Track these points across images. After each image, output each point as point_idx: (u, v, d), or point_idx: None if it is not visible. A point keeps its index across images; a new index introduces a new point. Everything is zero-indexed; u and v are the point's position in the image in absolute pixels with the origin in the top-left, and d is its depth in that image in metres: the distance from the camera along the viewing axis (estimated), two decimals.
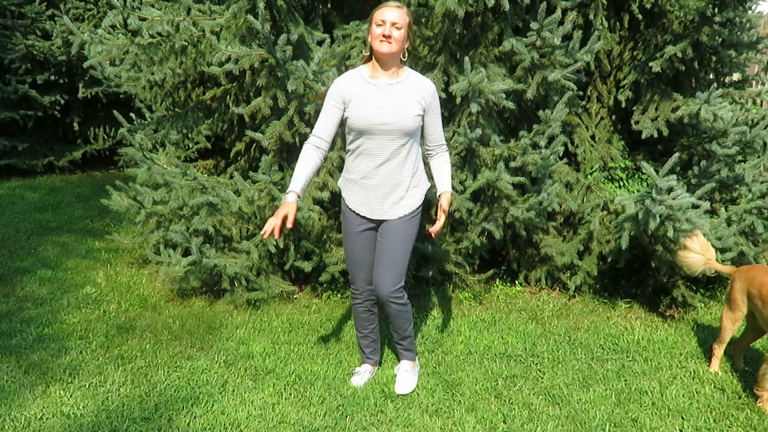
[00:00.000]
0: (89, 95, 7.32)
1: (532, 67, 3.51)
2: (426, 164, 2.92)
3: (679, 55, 3.60)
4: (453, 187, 3.59)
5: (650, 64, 3.66)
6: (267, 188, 3.44)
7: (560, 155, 3.68)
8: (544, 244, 3.78)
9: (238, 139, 4.18)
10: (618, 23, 3.93)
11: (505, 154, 3.49)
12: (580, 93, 3.95)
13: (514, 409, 2.74)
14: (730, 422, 2.63)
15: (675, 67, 3.69)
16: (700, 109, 3.58)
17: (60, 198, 6.33)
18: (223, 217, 3.76)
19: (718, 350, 3.04)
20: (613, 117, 4.05)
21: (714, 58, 3.94)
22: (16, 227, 5.31)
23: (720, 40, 3.70)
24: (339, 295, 3.90)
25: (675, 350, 3.27)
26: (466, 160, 3.62)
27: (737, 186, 3.72)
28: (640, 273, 3.92)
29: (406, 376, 2.90)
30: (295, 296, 3.93)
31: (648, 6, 3.68)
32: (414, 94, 2.55)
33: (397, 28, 2.44)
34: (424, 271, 3.71)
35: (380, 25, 2.45)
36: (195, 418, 2.64)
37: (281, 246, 3.73)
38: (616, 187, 3.94)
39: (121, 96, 7.10)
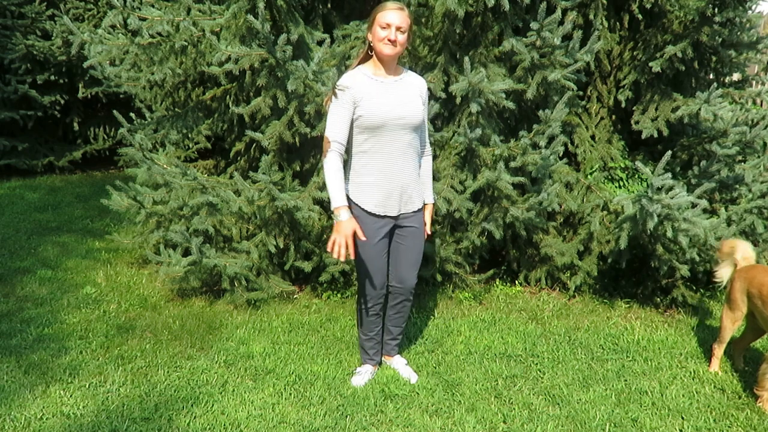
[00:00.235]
0: (89, 95, 7.32)
1: (532, 67, 3.51)
2: None
3: (679, 55, 3.60)
4: (453, 187, 3.60)
5: (650, 64, 3.66)
6: (267, 188, 3.44)
7: (560, 155, 3.68)
8: (544, 244, 3.78)
9: (238, 139, 4.18)
10: (618, 23, 3.93)
11: (505, 154, 3.49)
12: (580, 93, 3.95)
13: (514, 409, 2.74)
14: (730, 422, 2.63)
15: (675, 67, 3.69)
16: (700, 109, 3.58)
17: (60, 198, 6.33)
18: (223, 217, 3.76)
19: (718, 350, 3.04)
20: (613, 117, 4.05)
21: (714, 58, 3.94)
22: (16, 227, 5.31)
23: (720, 40, 3.70)
24: (339, 295, 3.90)
25: (675, 350, 3.27)
26: (466, 160, 3.62)
27: (737, 186, 3.72)
28: (640, 273, 3.93)
29: (408, 368, 3.01)
30: (295, 296, 3.93)
31: (648, 6, 3.68)
32: (415, 89, 2.64)
33: (401, 32, 2.48)
34: (424, 271, 3.71)
35: (385, 28, 2.46)
36: (195, 418, 2.64)
37: (281, 246, 3.73)
38: (616, 187, 3.93)
39: (121, 96, 7.10)
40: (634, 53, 3.89)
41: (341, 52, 3.58)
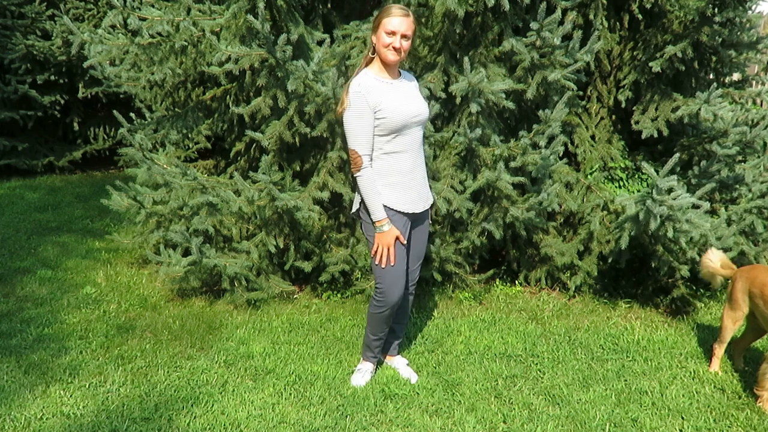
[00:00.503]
0: (89, 95, 7.32)
1: (532, 67, 3.51)
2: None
3: (679, 55, 3.59)
4: (453, 187, 3.60)
5: (650, 64, 3.65)
6: (267, 188, 3.44)
7: (560, 155, 3.68)
8: (544, 244, 3.78)
9: (238, 139, 4.18)
10: (618, 23, 3.92)
11: (505, 154, 3.49)
12: (580, 93, 3.95)
13: (514, 409, 2.74)
14: (730, 422, 2.63)
15: (675, 67, 3.69)
16: (700, 109, 3.58)
17: (60, 198, 6.33)
18: (223, 217, 3.76)
19: (719, 350, 3.04)
20: (613, 117, 4.05)
21: (714, 58, 3.94)
22: (16, 227, 5.31)
23: (720, 40, 3.70)
24: (339, 295, 3.90)
25: (675, 350, 3.27)
26: (466, 160, 3.62)
27: (737, 186, 3.72)
28: (640, 273, 3.92)
29: (408, 368, 3.03)
30: (295, 296, 3.93)
31: (648, 6, 3.68)
32: (415, 88, 2.71)
33: (406, 38, 2.50)
34: (425, 271, 3.71)
35: (390, 34, 2.47)
36: (195, 418, 2.64)
37: (281, 246, 3.73)
38: (616, 187, 3.93)
39: (121, 96, 7.09)
40: (634, 53, 3.89)
41: (341, 52, 3.58)
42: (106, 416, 2.63)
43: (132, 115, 4.38)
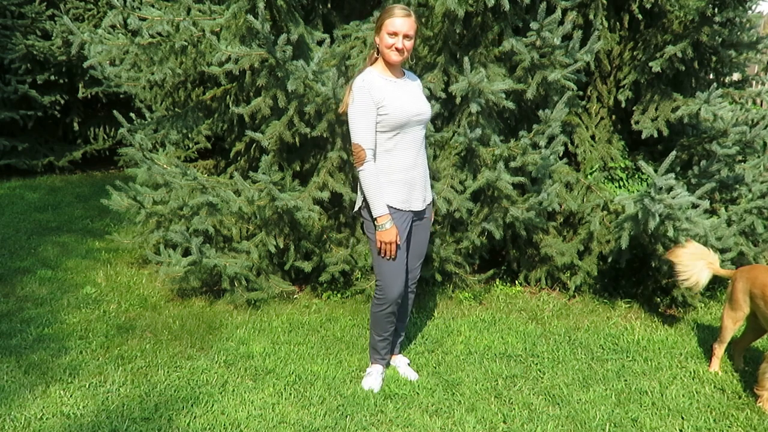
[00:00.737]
0: (89, 95, 7.32)
1: (532, 67, 3.51)
2: None
3: (679, 55, 3.60)
4: (453, 187, 3.60)
5: (650, 64, 3.65)
6: (267, 188, 3.44)
7: (560, 155, 3.68)
8: (544, 244, 3.78)
9: (238, 139, 4.18)
10: (618, 23, 3.93)
11: (505, 154, 3.49)
12: (580, 93, 3.95)
13: (514, 409, 2.74)
14: (730, 422, 2.63)
15: (675, 67, 3.69)
16: (700, 109, 3.58)
17: (60, 198, 6.33)
18: (223, 217, 3.76)
19: (719, 350, 3.04)
20: (613, 117, 4.05)
21: (714, 58, 3.94)
22: (16, 227, 5.31)
23: (720, 40, 3.70)
24: (339, 295, 3.90)
25: (675, 350, 3.27)
26: (466, 160, 3.62)
27: (737, 186, 3.72)
28: (640, 273, 3.92)
29: (409, 367, 3.05)
30: (295, 296, 3.93)
31: (648, 6, 3.68)
32: (418, 88, 2.73)
33: (408, 39, 2.52)
34: (424, 271, 3.71)
35: (392, 35, 2.49)
36: (195, 418, 2.64)
37: (281, 246, 3.73)
38: (616, 187, 3.93)
39: (121, 96, 7.09)
40: (634, 53, 3.89)
41: (341, 52, 3.58)
42: (106, 416, 2.63)
43: (132, 115, 4.38)
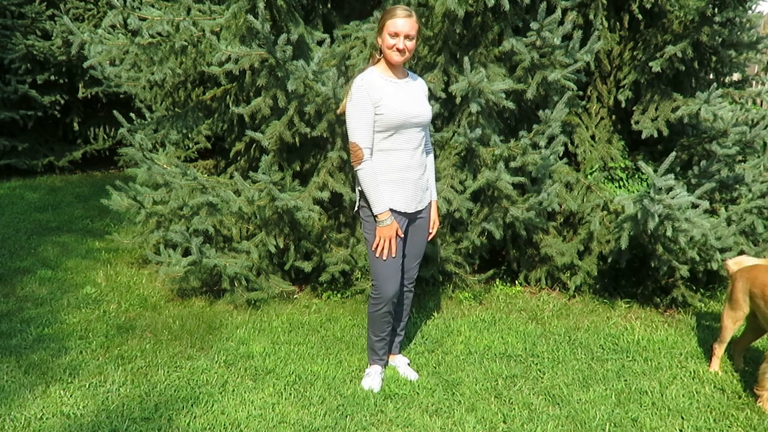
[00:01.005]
0: (89, 95, 7.32)
1: (532, 67, 3.51)
2: None
3: (679, 55, 3.60)
4: (453, 187, 3.60)
5: (650, 64, 3.65)
6: (267, 188, 3.44)
7: (560, 155, 3.68)
8: (544, 244, 3.78)
9: (238, 139, 4.18)
10: (618, 23, 3.92)
11: (505, 154, 3.49)
12: (580, 93, 3.95)
13: (514, 409, 2.74)
14: (730, 422, 2.63)
15: (675, 67, 3.69)
16: (700, 109, 3.58)
17: (60, 198, 6.33)
18: (223, 217, 3.76)
19: (719, 350, 3.04)
20: (613, 117, 4.05)
21: (714, 58, 3.94)
22: (16, 227, 5.31)
23: (720, 40, 3.70)
24: (339, 295, 3.90)
25: (675, 350, 3.27)
26: (466, 160, 3.62)
27: (737, 186, 3.72)
28: (640, 273, 3.92)
29: (409, 367, 3.05)
30: (295, 296, 3.93)
31: (648, 6, 3.68)
32: (421, 90, 2.72)
33: (410, 39, 2.52)
34: (424, 271, 3.71)
35: (394, 36, 2.49)
36: (195, 418, 2.64)
37: (281, 246, 3.73)
38: (616, 187, 3.93)
39: (121, 96, 7.09)
40: (634, 53, 3.89)
41: (341, 52, 3.58)
42: (106, 416, 2.63)
43: (132, 115, 4.39)
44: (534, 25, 3.35)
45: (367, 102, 2.50)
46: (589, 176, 3.85)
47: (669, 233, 3.20)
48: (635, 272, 3.95)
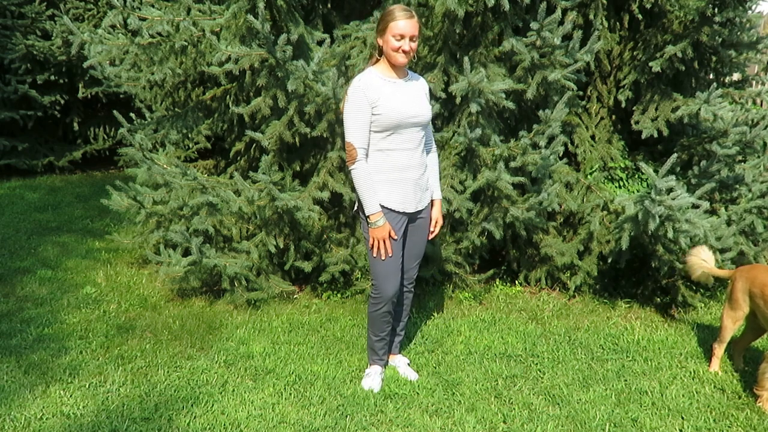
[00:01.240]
0: (89, 95, 7.32)
1: (532, 67, 3.51)
2: None
3: (679, 55, 3.60)
4: (453, 187, 3.60)
5: (650, 64, 3.65)
6: (267, 188, 3.44)
7: (560, 155, 3.68)
8: (544, 244, 3.78)
9: (238, 139, 4.18)
10: (618, 23, 3.93)
11: (505, 154, 3.49)
12: (580, 93, 3.95)
13: (514, 409, 2.74)
14: (730, 422, 2.63)
15: (675, 67, 3.69)
16: (700, 109, 3.58)
17: (60, 198, 6.33)
18: (223, 217, 3.76)
19: (719, 350, 3.04)
20: (613, 117, 4.05)
21: (714, 58, 3.94)
22: (16, 227, 5.31)
23: (720, 40, 3.70)
24: (339, 295, 3.90)
25: (675, 350, 3.27)
26: (466, 160, 3.62)
27: (737, 186, 3.72)
28: (640, 273, 3.92)
29: (409, 367, 3.05)
30: (295, 296, 3.93)
31: (648, 6, 3.68)
32: (421, 89, 2.72)
33: (413, 40, 2.53)
34: (424, 271, 3.71)
35: (398, 38, 2.49)
36: (195, 418, 2.64)
37: (281, 246, 3.73)
38: (616, 187, 3.93)
39: (121, 96, 7.10)
40: (634, 53, 3.89)
41: (341, 52, 3.58)
42: (106, 416, 2.63)
43: (132, 115, 4.39)
44: (534, 25, 3.35)
45: (363, 103, 2.51)
46: (589, 176, 3.85)
47: (670, 234, 3.20)
48: (635, 272, 3.95)
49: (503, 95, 3.39)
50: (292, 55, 3.30)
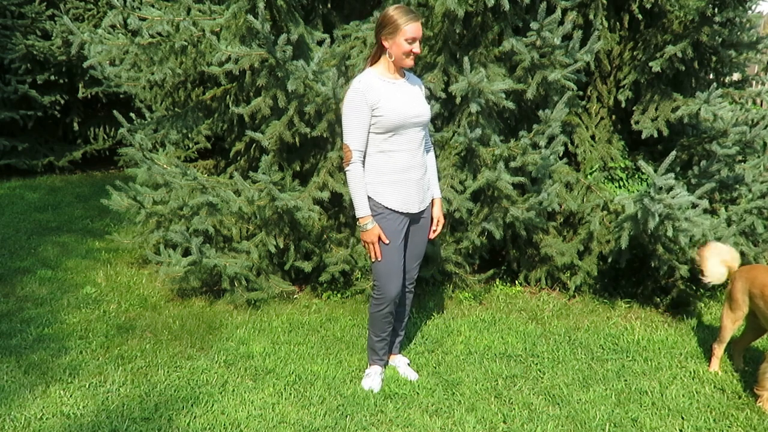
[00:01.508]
0: (89, 95, 7.32)
1: (532, 67, 3.51)
2: None
3: (679, 55, 3.60)
4: (453, 187, 3.60)
5: (650, 64, 3.66)
6: (267, 188, 3.44)
7: (560, 155, 3.68)
8: (544, 244, 3.78)
9: (238, 139, 4.18)
10: (618, 23, 3.93)
11: (505, 154, 3.49)
12: (580, 93, 3.95)
13: (514, 409, 2.74)
14: (730, 422, 2.63)
15: (675, 67, 3.69)
16: (700, 109, 3.58)
17: (60, 198, 6.33)
18: (223, 217, 3.77)
19: (718, 350, 3.04)
20: (613, 117, 4.05)
21: (714, 58, 3.94)
22: (16, 227, 5.31)
23: (720, 40, 3.70)
24: (339, 295, 3.90)
25: (675, 350, 3.27)
26: (466, 160, 3.62)
27: (737, 186, 3.72)
28: (640, 273, 3.92)
29: (409, 367, 3.04)
30: (295, 296, 3.93)
31: (648, 6, 3.68)
32: (419, 89, 2.72)
33: (419, 42, 2.55)
34: (424, 271, 3.71)
35: (411, 41, 2.49)
36: (195, 418, 2.64)
37: (281, 246, 3.73)
38: (616, 187, 3.93)
39: (121, 96, 7.09)
40: (634, 53, 3.89)
41: (341, 52, 3.58)
42: (106, 416, 2.63)
43: (132, 115, 4.39)
44: (534, 25, 3.35)
45: (362, 105, 2.50)
46: (589, 176, 3.85)
47: (669, 233, 3.20)
48: (635, 272, 3.95)
49: (503, 95, 3.39)
50: (292, 55, 3.30)
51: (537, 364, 3.13)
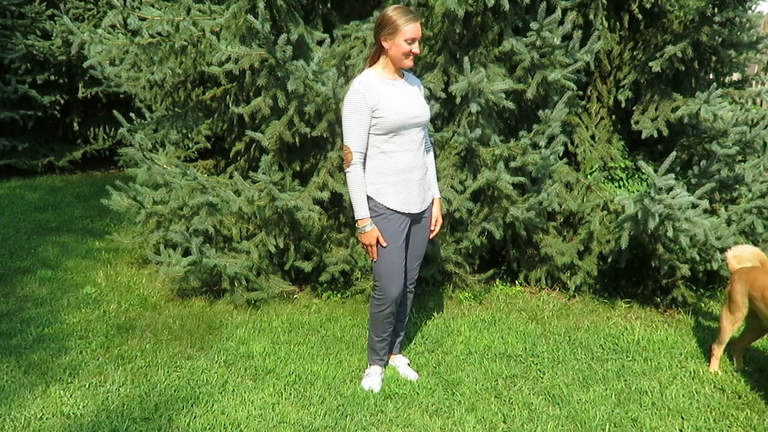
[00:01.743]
0: (89, 95, 7.32)
1: (532, 67, 3.51)
2: None
3: (679, 55, 3.60)
4: (453, 187, 3.60)
5: (650, 64, 3.65)
6: (267, 188, 3.44)
7: (560, 155, 3.68)
8: (544, 244, 3.78)
9: (238, 139, 4.18)
10: (618, 23, 3.93)
11: (505, 154, 3.49)
12: (580, 93, 3.95)
13: (514, 409, 2.74)
14: (730, 422, 2.63)
15: (675, 67, 3.69)
16: (700, 109, 3.58)
17: (60, 198, 6.33)
18: (223, 217, 3.77)
19: (718, 351, 3.04)
20: (613, 117, 4.05)
21: (714, 58, 3.94)
22: (16, 227, 5.31)
23: (720, 40, 3.70)
24: (339, 295, 3.90)
25: (675, 350, 3.27)
26: (466, 160, 3.62)
27: (737, 186, 3.72)
28: (640, 273, 3.92)
29: (409, 367, 3.04)
30: (295, 296, 3.93)
31: (648, 6, 3.68)
32: (419, 89, 2.73)
33: (419, 43, 2.56)
34: (424, 271, 3.71)
35: (411, 42, 2.49)
36: (195, 418, 2.64)
37: (281, 246, 3.73)
38: (616, 187, 3.93)
39: (121, 96, 7.09)
40: (634, 53, 3.89)
41: (341, 52, 3.58)
42: (106, 416, 2.63)
43: (132, 115, 4.38)
44: (534, 25, 3.35)
45: (362, 107, 2.49)
46: (589, 176, 3.85)
47: (669, 233, 3.20)
48: (635, 272, 3.95)
49: (503, 95, 3.39)
50: (292, 55, 3.30)
51: (537, 364, 3.13)
